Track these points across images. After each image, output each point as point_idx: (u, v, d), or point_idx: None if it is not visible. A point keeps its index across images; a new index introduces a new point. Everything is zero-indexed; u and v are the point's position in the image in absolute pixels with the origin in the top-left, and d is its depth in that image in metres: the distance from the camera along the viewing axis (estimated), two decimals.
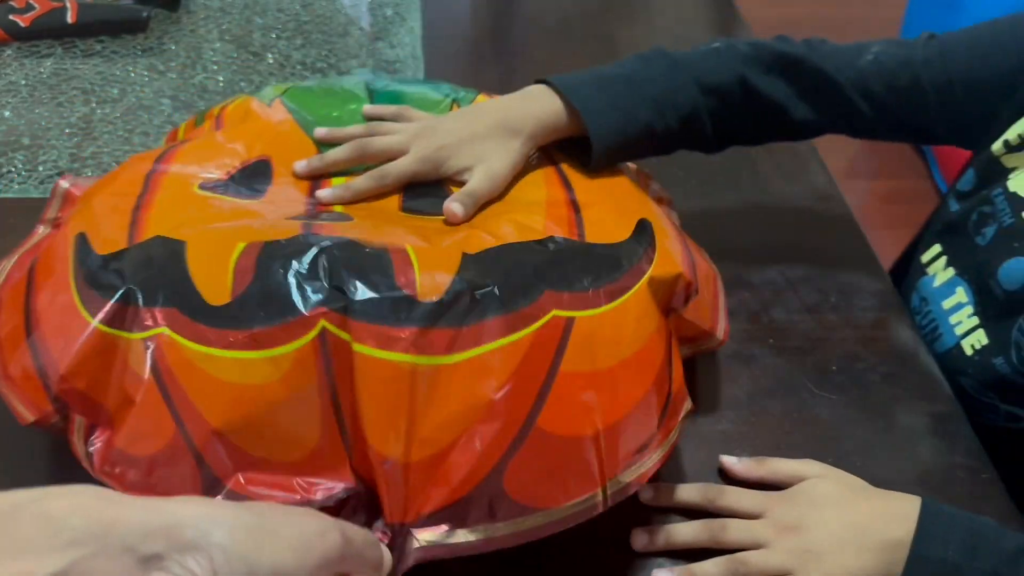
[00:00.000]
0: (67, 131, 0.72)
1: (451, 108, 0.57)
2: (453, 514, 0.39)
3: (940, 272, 0.60)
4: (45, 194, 0.62)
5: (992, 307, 0.56)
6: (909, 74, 0.57)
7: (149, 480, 0.40)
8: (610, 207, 0.49)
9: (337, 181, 0.51)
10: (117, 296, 0.40)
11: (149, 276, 0.42)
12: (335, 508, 0.39)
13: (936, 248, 0.61)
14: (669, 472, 0.47)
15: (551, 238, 0.46)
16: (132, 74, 0.80)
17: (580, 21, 0.98)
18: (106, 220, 0.45)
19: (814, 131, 0.61)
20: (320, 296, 0.39)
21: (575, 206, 0.50)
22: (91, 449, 0.41)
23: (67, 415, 0.41)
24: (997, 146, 0.57)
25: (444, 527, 0.39)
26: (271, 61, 0.83)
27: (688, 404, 0.45)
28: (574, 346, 0.41)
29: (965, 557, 0.42)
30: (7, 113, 0.73)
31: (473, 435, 0.39)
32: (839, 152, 1.62)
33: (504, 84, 0.72)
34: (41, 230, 0.49)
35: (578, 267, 0.44)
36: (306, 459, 0.39)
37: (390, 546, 0.38)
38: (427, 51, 0.88)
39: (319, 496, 0.40)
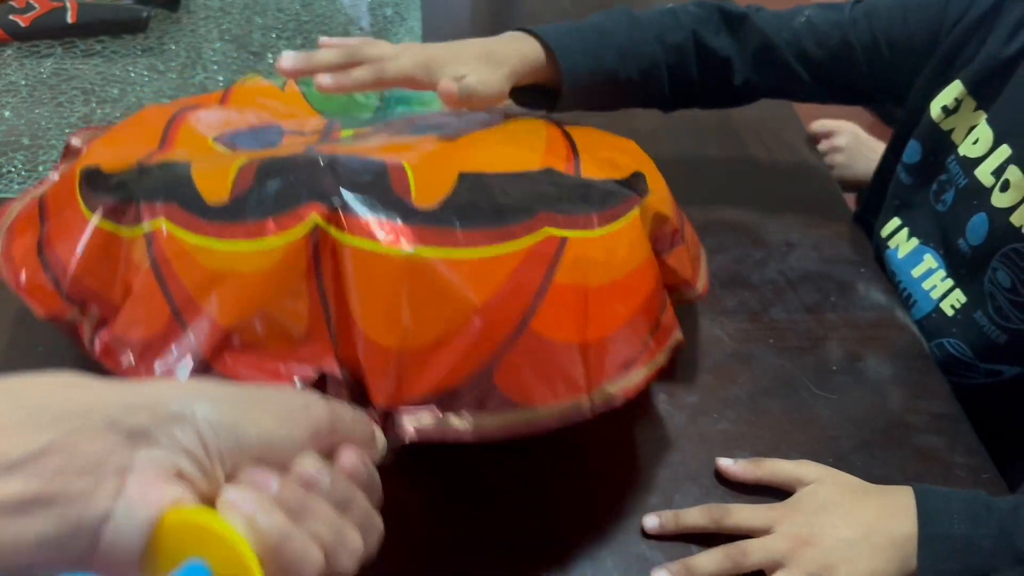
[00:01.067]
0: (67, 131, 0.72)
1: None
2: (442, 401, 0.40)
3: (903, 244, 0.63)
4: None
5: (962, 265, 0.58)
6: (839, 34, 0.61)
7: (144, 363, 0.41)
8: (608, 156, 0.51)
9: (346, 134, 0.52)
10: (119, 195, 0.42)
11: (151, 180, 0.43)
12: (320, 388, 0.40)
13: (895, 221, 0.64)
14: (671, 472, 0.48)
15: (548, 169, 0.47)
16: (132, 74, 0.80)
17: (579, 19, 0.98)
18: (120, 157, 0.47)
19: (758, 93, 0.64)
20: (315, 196, 0.40)
21: (574, 150, 0.51)
22: (95, 336, 0.42)
23: (83, 310, 0.43)
24: (936, 112, 0.59)
25: (434, 410, 0.40)
26: (271, 61, 0.83)
27: (678, 335, 0.46)
28: (567, 262, 0.43)
29: (970, 526, 0.43)
30: (7, 113, 0.74)
31: (465, 331, 0.40)
32: None
33: None
34: (52, 176, 0.50)
35: (573, 194, 0.46)
36: (293, 346, 0.40)
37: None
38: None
39: (305, 375, 0.41)
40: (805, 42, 0.62)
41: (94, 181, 0.45)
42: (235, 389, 0.33)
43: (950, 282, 0.59)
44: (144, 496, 0.28)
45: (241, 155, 0.46)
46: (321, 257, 0.41)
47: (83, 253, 0.43)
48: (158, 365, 0.41)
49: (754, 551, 0.43)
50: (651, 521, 0.45)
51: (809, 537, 0.43)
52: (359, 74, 0.50)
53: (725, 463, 0.48)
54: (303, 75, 0.50)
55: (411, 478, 0.44)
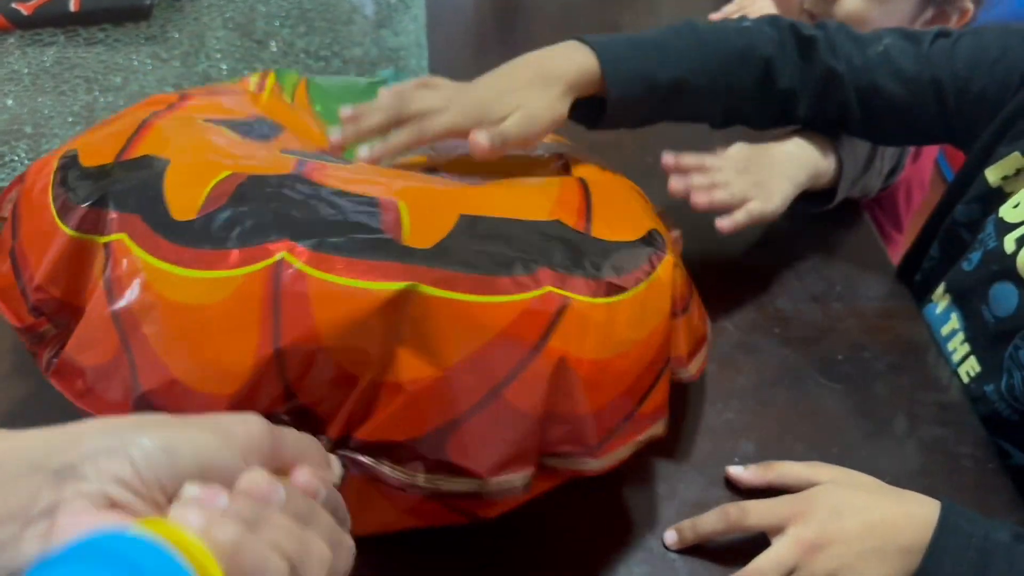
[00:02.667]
0: (70, 119, 0.73)
1: None
2: (394, 447, 0.39)
3: (940, 300, 0.60)
4: None
5: (982, 334, 0.56)
6: (914, 68, 0.57)
7: (95, 391, 0.39)
8: (616, 213, 0.49)
9: (349, 154, 0.50)
10: (90, 202, 0.40)
11: (126, 177, 0.41)
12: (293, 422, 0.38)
13: (945, 295, 0.61)
14: (676, 461, 0.48)
15: (557, 220, 0.44)
16: (135, 62, 0.80)
17: (583, 9, 0.98)
18: (100, 142, 0.45)
19: (817, 125, 0.61)
20: (286, 233, 0.38)
21: (588, 202, 0.48)
22: (55, 356, 0.41)
23: (61, 325, 0.41)
24: (994, 178, 0.56)
25: (383, 457, 0.39)
26: (274, 49, 0.83)
27: (656, 428, 0.44)
28: (565, 325, 0.40)
29: (979, 556, 0.42)
30: (10, 102, 0.74)
31: (434, 384, 0.38)
32: None
33: None
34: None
35: (581, 253, 0.43)
36: (240, 394, 0.38)
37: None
38: (431, 39, 0.88)
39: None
40: (878, 74, 0.58)
41: (69, 174, 0.44)
42: (167, 416, 0.32)
43: (967, 347, 0.57)
44: (75, 528, 0.27)
45: (225, 162, 0.44)
46: (282, 290, 0.39)
47: (51, 263, 0.41)
48: (103, 393, 0.39)
49: (765, 562, 0.44)
50: (670, 537, 0.45)
51: (821, 542, 0.43)
52: (399, 139, 0.49)
53: (735, 471, 0.48)
54: (354, 143, 0.49)
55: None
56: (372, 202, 0.41)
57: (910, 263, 0.63)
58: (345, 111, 0.50)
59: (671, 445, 0.48)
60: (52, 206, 0.42)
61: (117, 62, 0.80)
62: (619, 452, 0.42)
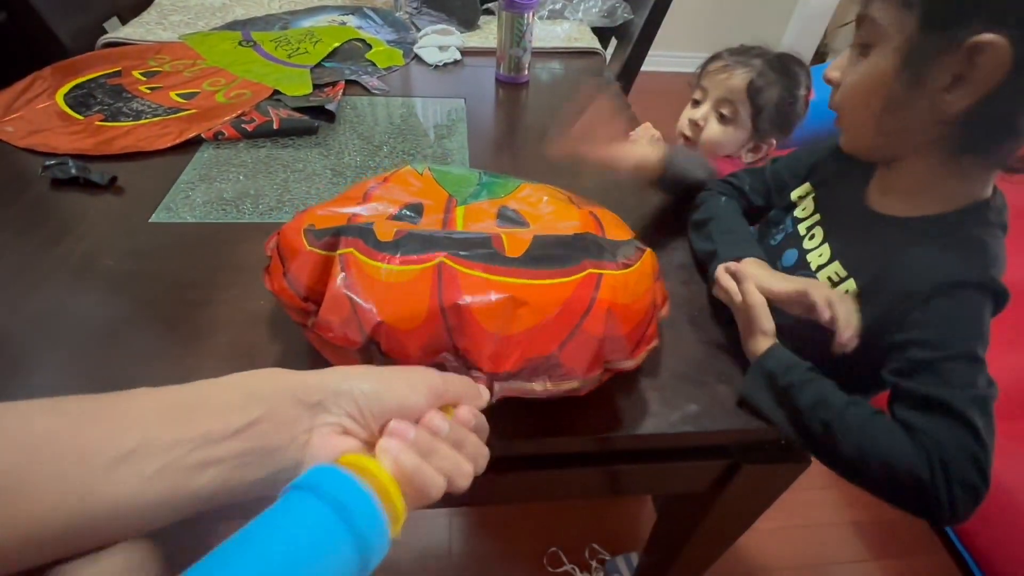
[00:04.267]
0: (274, 188, 0.90)
1: (479, 179, 0.67)
2: (524, 372, 0.45)
3: None
4: (263, 220, 0.84)
5: None
6: (763, 186, 0.82)
7: (335, 333, 0.45)
8: (616, 228, 0.58)
9: (459, 211, 0.58)
10: (330, 235, 0.49)
11: (349, 231, 0.49)
12: (439, 367, 0.44)
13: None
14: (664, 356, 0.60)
15: (586, 233, 0.52)
16: (309, 156, 0.98)
17: (557, 127, 1.08)
18: (324, 218, 0.54)
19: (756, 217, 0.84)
20: (441, 248, 0.47)
21: (599, 223, 0.57)
22: (313, 322, 0.48)
23: (317, 304, 0.48)
24: (795, 196, 0.78)
25: (521, 380, 0.45)
26: (386, 150, 1.02)
27: (655, 343, 0.53)
28: (604, 287, 0.47)
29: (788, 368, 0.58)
30: (241, 177, 0.93)
31: (543, 327, 0.45)
32: None
33: (516, 164, 1.00)
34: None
35: (605, 249, 0.50)
36: (418, 328, 0.45)
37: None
38: (470, 145, 1.04)
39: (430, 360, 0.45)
40: (755, 190, 0.81)
41: (310, 231, 0.51)
42: (377, 369, 0.36)
43: None
44: (323, 447, 0.32)
45: (403, 227, 0.51)
46: (443, 278, 0.45)
47: (309, 271, 0.48)
48: (345, 336, 0.45)
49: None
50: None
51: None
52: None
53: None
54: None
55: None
56: (487, 236, 0.50)
57: None
58: None
59: (666, 358, 0.67)
60: (305, 242, 0.50)
61: (300, 156, 0.98)
62: (641, 356, 0.51)
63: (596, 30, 1.65)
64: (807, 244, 0.71)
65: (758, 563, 1.42)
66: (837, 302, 0.57)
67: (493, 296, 0.44)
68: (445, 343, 0.45)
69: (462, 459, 0.36)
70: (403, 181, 0.62)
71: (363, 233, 0.48)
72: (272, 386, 0.33)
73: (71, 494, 0.28)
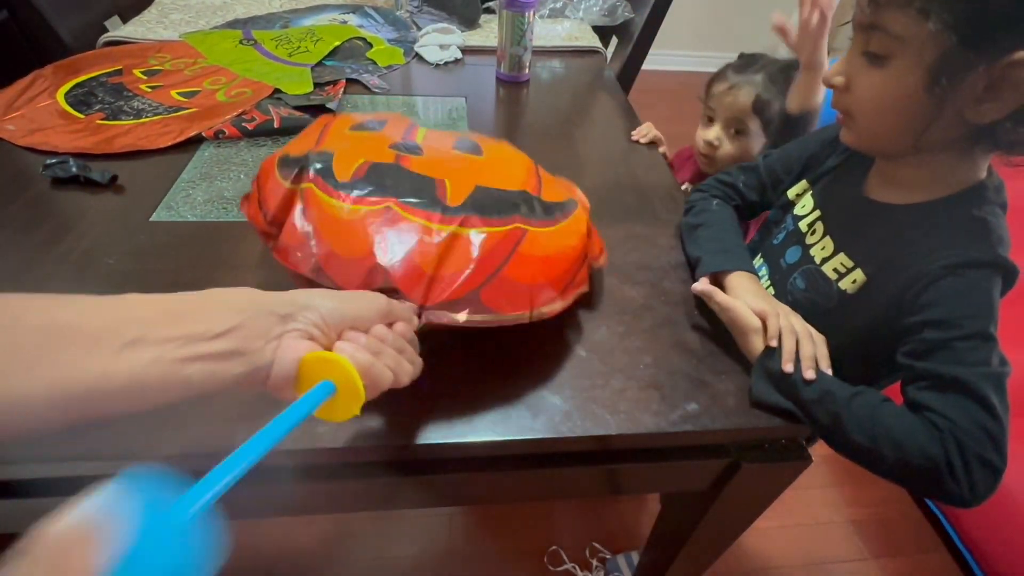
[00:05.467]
0: None
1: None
2: (451, 304, 0.51)
3: (758, 260, 0.84)
4: None
5: (778, 273, 0.77)
6: (757, 182, 0.85)
7: (291, 258, 0.52)
8: (556, 188, 0.64)
9: (421, 132, 0.66)
10: (299, 168, 0.56)
11: (314, 159, 0.56)
12: (386, 293, 0.49)
13: (759, 258, 0.84)
14: (591, 309, 0.68)
15: (523, 191, 0.60)
16: None
17: (557, 126, 1.17)
18: (299, 143, 0.61)
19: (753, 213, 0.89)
20: (392, 194, 0.53)
21: (539, 181, 0.63)
22: (275, 245, 0.55)
23: (279, 229, 0.55)
24: (792, 195, 0.81)
25: (446, 311, 0.51)
26: None
27: (584, 288, 0.60)
28: (526, 241, 0.55)
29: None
30: (242, 176, 0.94)
31: (467, 271, 0.51)
32: None
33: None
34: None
35: (535, 207, 0.58)
36: (361, 260, 0.51)
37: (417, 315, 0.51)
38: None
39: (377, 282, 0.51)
40: (750, 186, 0.85)
41: (285, 160, 0.58)
42: (336, 291, 0.43)
43: (768, 281, 0.78)
44: (292, 348, 0.38)
45: (359, 152, 0.57)
46: (388, 219, 0.52)
47: (277, 201, 0.55)
48: (299, 261, 0.52)
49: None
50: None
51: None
52: None
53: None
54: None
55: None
56: (433, 181, 0.56)
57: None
58: None
59: (606, 356, 0.67)
60: (278, 175, 0.57)
61: None
62: (568, 299, 0.58)
63: (597, 29, 1.72)
64: (809, 240, 0.73)
65: (758, 561, 1.48)
66: (786, 336, 0.60)
67: (427, 239, 0.52)
68: (384, 276, 0.51)
69: (404, 360, 0.43)
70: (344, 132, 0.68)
71: (323, 171, 0.55)
72: (248, 300, 0.38)
73: (94, 367, 0.32)
